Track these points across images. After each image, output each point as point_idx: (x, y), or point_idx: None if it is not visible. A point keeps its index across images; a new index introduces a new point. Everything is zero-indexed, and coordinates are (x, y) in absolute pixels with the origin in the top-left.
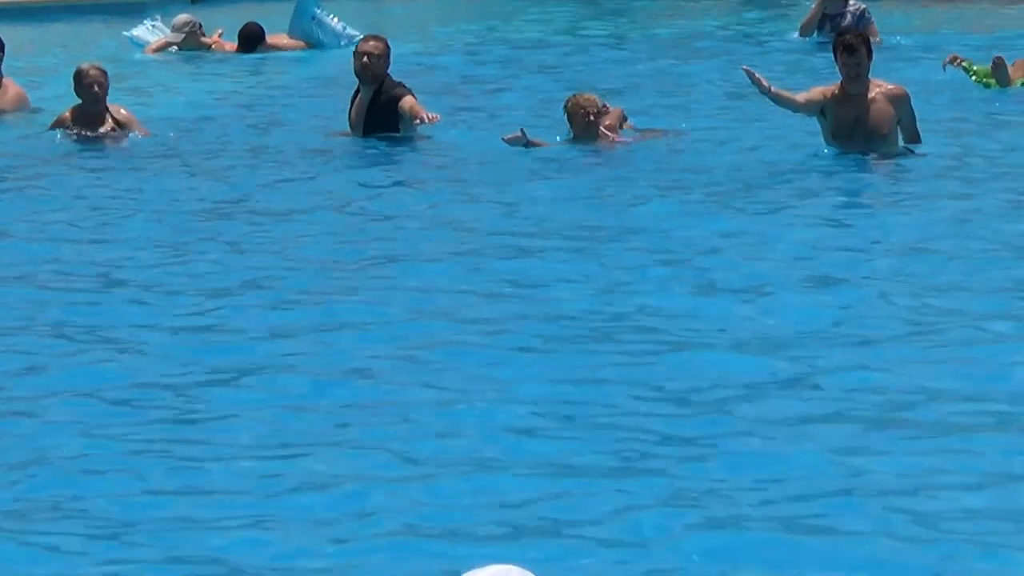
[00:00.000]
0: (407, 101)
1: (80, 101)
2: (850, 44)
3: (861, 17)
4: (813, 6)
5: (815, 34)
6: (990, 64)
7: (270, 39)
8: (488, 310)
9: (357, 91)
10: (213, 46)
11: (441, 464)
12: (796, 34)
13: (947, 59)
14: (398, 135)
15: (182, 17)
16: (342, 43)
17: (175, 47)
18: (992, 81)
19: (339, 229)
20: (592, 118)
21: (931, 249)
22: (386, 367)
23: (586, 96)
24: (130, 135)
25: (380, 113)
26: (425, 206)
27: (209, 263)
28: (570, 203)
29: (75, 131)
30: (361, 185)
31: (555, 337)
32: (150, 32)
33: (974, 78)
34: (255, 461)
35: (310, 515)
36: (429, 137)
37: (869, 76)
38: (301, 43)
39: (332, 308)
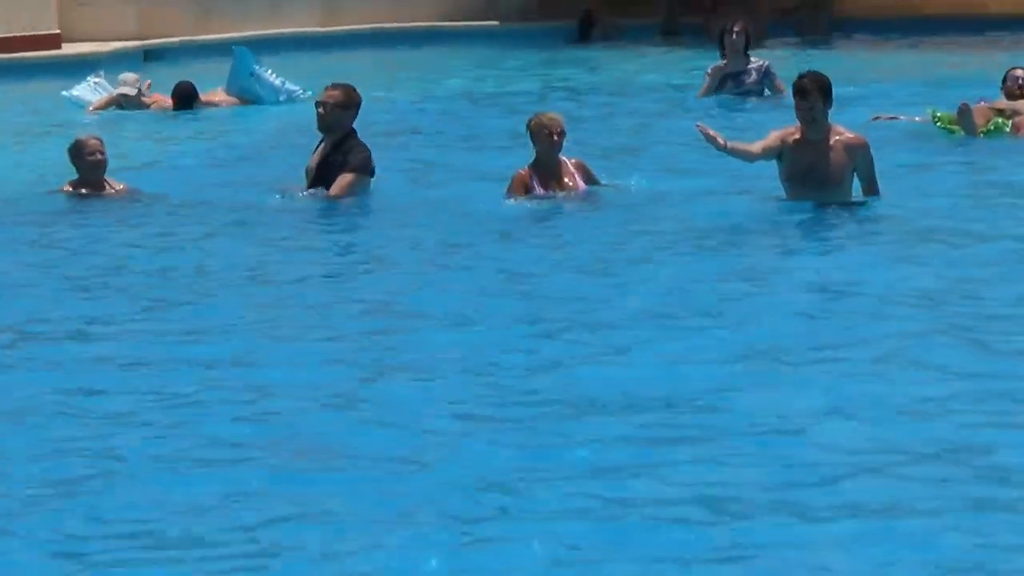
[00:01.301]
0: (346, 179)
1: (78, 174)
2: (802, 88)
3: (766, 73)
4: (707, 74)
5: (716, 95)
6: (956, 111)
7: (205, 96)
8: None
9: (321, 141)
10: (152, 104)
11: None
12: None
13: (873, 118)
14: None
15: (131, 74)
16: (281, 98)
17: (117, 105)
18: (957, 128)
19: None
20: (556, 138)
21: (881, 298)
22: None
23: (549, 115)
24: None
25: (330, 169)
26: (393, 268)
27: (172, 325)
28: (527, 250)
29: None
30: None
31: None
32: (91, 90)
33: (939, 124)
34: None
35: None
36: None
37: (830, 122)
38: (236, 100)
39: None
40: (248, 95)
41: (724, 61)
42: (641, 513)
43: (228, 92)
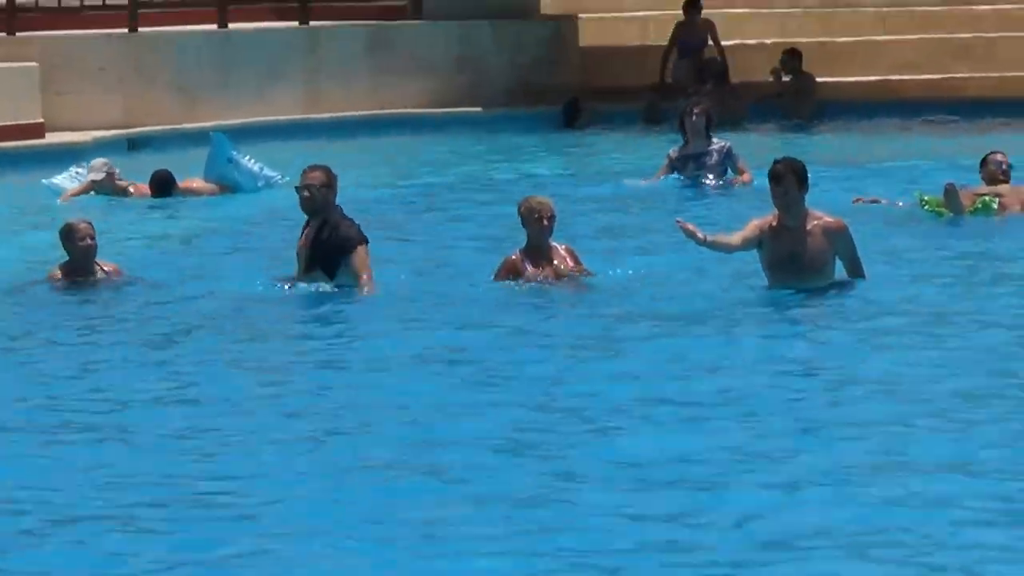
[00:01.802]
0: (358, 258)
1: (68, 257)
2: (776, 173)
3: (727, 155)
4: (667, 156)
5: (678, 176)
6: (942, 193)
7: (183, 183)
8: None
9: (307, 224)
10: (131, 190)
11: None
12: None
13: (854, 200)
14: (337, 281)
15: (100, 160)
16: (259, 184)
17: (93, 192)
18: (945, 210)
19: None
20: (546, 222)
21: (869, 382)
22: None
23: (539, 199)
24: (124, 280)
25: (324, 249)
26: (371, 352)
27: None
28: (521, 338)
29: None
30: (304, 335)
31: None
32: (70, 179)
33: (926, 207)
34: None
35: None
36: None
37: (807, 207)
38: (215, 187)
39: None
40: (226, 181)
41: (686, 143)
42: None
43: (206, 179)
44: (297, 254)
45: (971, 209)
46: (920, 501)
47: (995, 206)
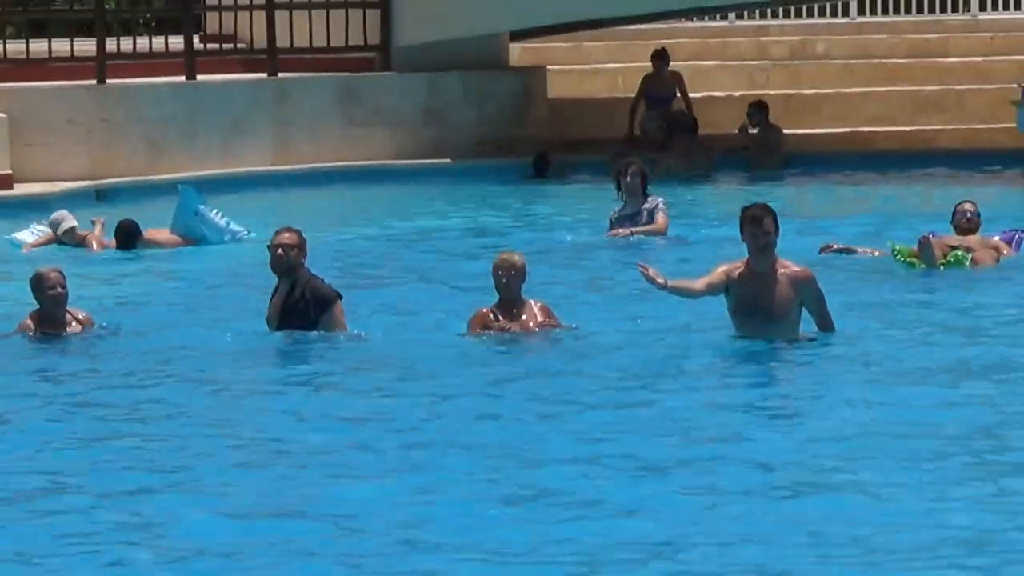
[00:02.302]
0: (336, 316)
1: (39, 306)
2: (755, 216)
3: (654, 209)
4: (610, 219)
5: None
6: (917, 244)
7: (149, 234)
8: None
9: (277, 287)
10: (94, 243)
11: None
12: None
13: (822, 247)
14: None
15: (60, 213)
16: (226, 238)
17: (54, 244)
18: (916, 261)
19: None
20: (505, 279)
21: (837, 436)
22: None
23: (503, 256)
24: (95, 332)
25: (297, 311)
26: (352, 401)
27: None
28: (493, 398)
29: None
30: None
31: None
32: (32, 235)
33: (899, 258)
34: None
35: None
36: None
37: (776, 254)
38: (180, 240)
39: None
40: (193, 234)
41: (624, 204)
42: None
43: (173, 231)
44: (268, 320)
45: (943, 262)
46: (892, 558)
47: (967, 261)
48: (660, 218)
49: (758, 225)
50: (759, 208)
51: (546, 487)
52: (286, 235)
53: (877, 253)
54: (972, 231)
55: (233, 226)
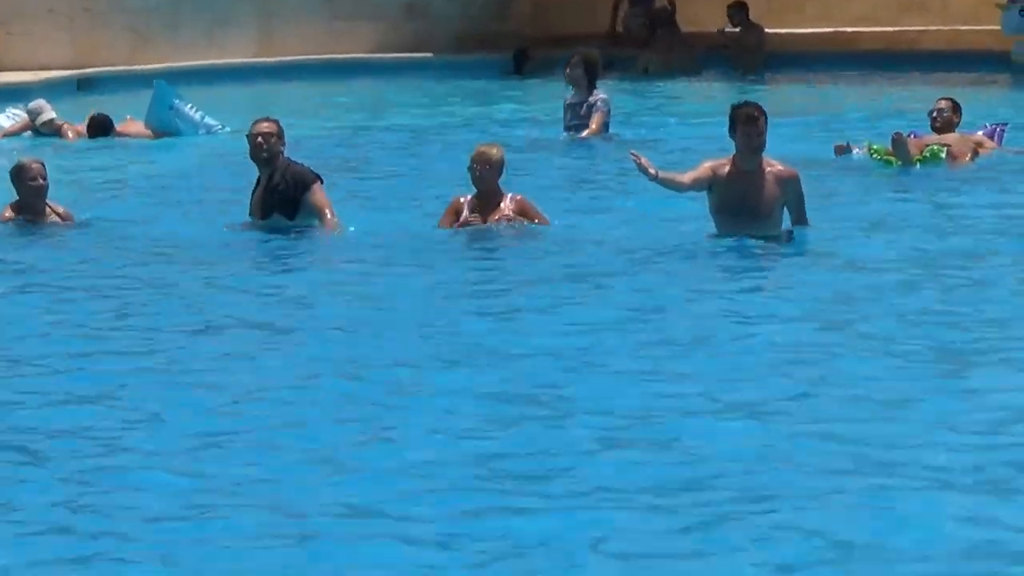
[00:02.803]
0: (317, 195)
1: (19, 197)
2: (749, 115)
3: (593, 105)
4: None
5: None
6: (890, 142)
7: (121, 126)
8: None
9: (259, 179)
10: (69, 133)
11: None
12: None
13: (837, 149)
14: (298, 223)
15: (38, 102)
16: (200, 132)
17: (30, 132)
18: (893, 159)
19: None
20: (479, 171)
21: (820, 329)
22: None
23: (480, 149)
24: (73, 225)
25: (278, 196)
26: (339, 291)
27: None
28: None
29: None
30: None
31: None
32: (7, 120)
33: (875, 156)
34: None
35: None
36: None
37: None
38: (152, 133)
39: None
40: (167, 128)
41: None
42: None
43: (147, 125)
44: (251, 209)
45: (919, 158)
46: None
47: (943, 155)
48: (595, 119)
49: (753, 125)
50: (753, 107)
51: (520, 384)
52: (265, 124)
53: (857, 150)
54: (946, 128)
55: (208, 120)
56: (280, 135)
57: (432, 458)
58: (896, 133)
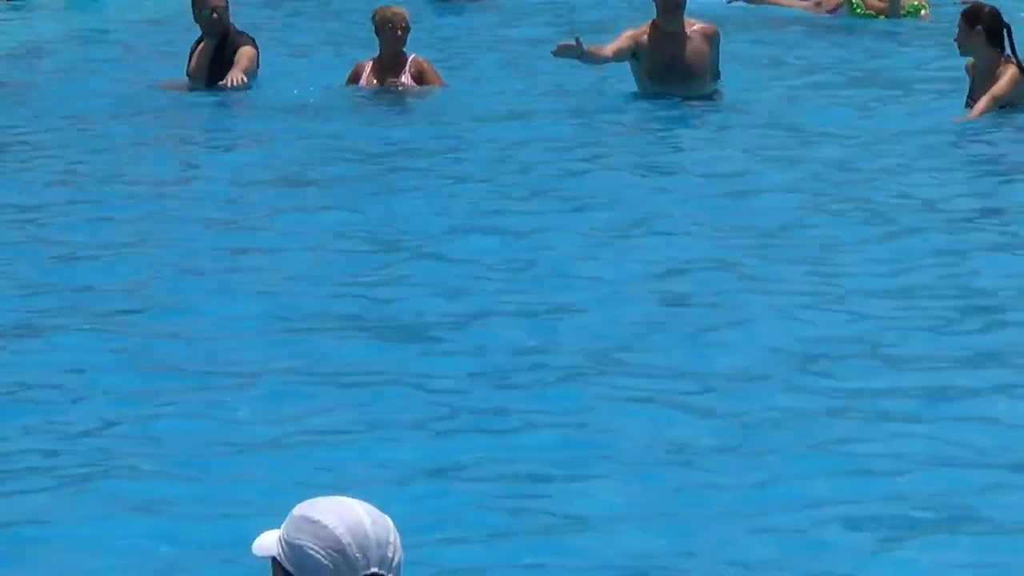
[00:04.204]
0: (245, 52)
1: None
2: None
3: None
4: None
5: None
6: None
7: None
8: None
9: (198, 42)
10: None
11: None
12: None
13: None
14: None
15: None
16: None
17: None
18: (870, 12)
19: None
20: (399, 32)
21: (761, 192)
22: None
23: (394, 9)
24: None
25: (227, 65)
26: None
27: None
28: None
29: None
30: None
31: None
32: None
33: (859, 11)
34: None
35: None
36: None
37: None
38: None
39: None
40: None
41: None
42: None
43: None
44: (190, 73)
45: (905, 11)
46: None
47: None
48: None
49: None
50: None
51: (408, 237)
52: None
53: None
54: None
55: None
56: (227, 6)
57: None
58: None
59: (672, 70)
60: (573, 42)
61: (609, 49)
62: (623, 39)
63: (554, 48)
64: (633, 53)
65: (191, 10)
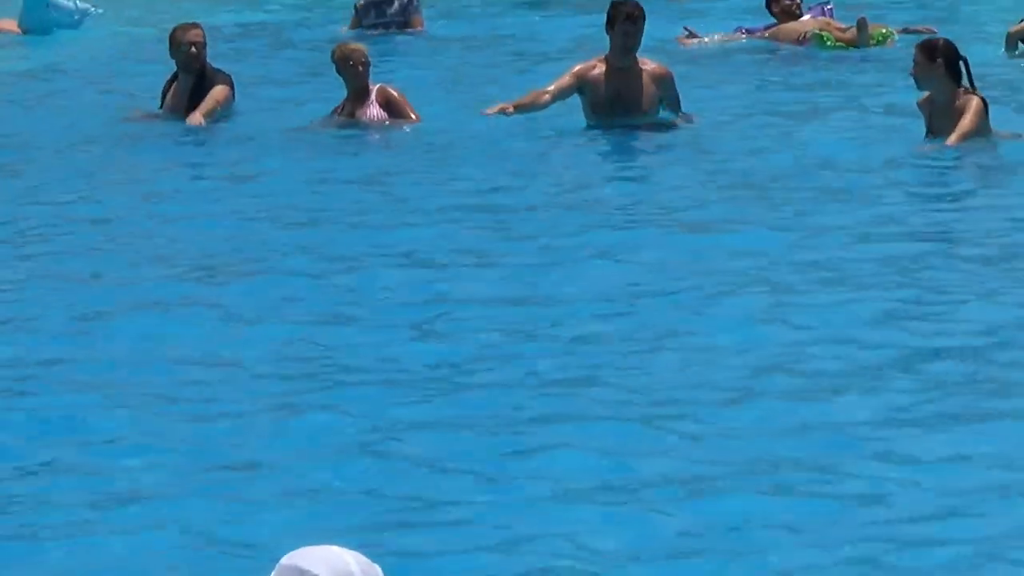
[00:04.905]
0: (217, 89)
1: None
2: (633, 14)
3: (409, 4)
4: (356, 6)
5: (361, 28)
6: (855, 25)
7: None
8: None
9: (173, 78)
10: None
11: None
12: (344, 28)
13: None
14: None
15: None
16: (76, 18)
17: None
18: (840, 44)
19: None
20: (360, 68)
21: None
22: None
23: (352, 46)
24: None
25: (202, 99)
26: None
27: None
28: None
29: None
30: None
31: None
32: None
33: (828, 43)
34: None
35: None
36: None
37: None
38: (17, 29)
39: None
40: (45, 28)
41: None
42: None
43: (21, 26)
44: (167, 108)
45: (875, 40)
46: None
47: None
48: (418, 19)
49: (634, 23)
50: (636, 7)
51: (380, 247)
52: (194, 31)
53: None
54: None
55: (80, 4)
56: (205, 42)
57: None
58: (861, 17)
59: (615, 105)
60: (508, 109)
61: (548, 94)
62: (565, 79)
63: (484, 110)
64: (579, 88)
65: (168, 46)
